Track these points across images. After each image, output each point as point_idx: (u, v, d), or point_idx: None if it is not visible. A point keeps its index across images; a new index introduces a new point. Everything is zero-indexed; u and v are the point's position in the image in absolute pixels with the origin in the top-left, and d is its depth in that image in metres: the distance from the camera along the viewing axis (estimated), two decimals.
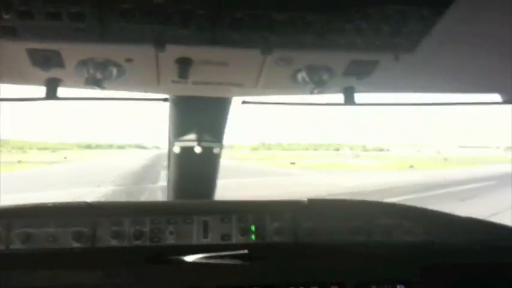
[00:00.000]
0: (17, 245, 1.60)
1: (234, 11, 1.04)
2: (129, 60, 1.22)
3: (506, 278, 1.81)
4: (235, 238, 1.75)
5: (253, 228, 1.77)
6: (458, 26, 1.16)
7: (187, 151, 1.92)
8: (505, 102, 1.74)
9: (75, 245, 1.63)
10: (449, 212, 1.94)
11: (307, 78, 1.34)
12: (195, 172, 2.08)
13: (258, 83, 1.42)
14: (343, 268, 1.80)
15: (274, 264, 1.77)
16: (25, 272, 1.63)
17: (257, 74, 1.35)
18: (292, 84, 1.42)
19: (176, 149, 1.92)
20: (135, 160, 38.74)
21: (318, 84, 1.33)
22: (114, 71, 1.26)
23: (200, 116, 1.89)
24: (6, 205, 1.70)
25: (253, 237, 1.76)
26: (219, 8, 1.03)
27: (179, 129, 1.94)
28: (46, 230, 1.63)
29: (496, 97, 1.75)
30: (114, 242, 1.67)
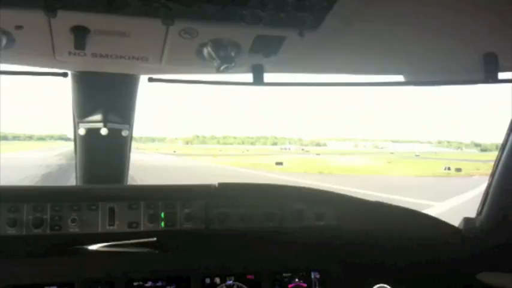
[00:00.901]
0: None
1: None
2: (19, 27, 1.15)
3: (413, 258, 1.89)
4: (144, 225, 1.69)
5: (162, 215, 1.72)
6: (362, 6, 1.19)
7: (93, 133, 1.83)
8: (407, 83, 1.82)
9: None
10: (358, 197, 2.00)
11: (213, 54, 1.32)
12: (103, 156, 1.99)
13: (162, 57, 1.39)
14: (256, 255, 1.81)
15: (185, 252, 1.75)
16: None
17: (161, 47, 1.32)
18: (198, 61, 1.40)
19: (81, 131, 1.83)
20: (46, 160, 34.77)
21: (225, 61, 1.32)
22: (3, 39, 1.19)
23: (106, 95, 1.81)
24: None
25: (162, 224, 1.71)
26: None
27: (83, 109, 1.84)
28: None
29: (399, 78, 1.81)
30: (11, 231, 1.56)
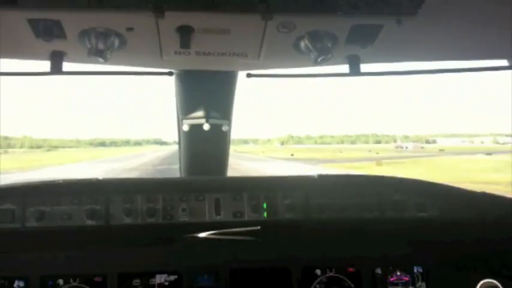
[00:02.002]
0: (32, 223, 1.68)
1: None
2: (129, 29, 1.28)
3: None
4: (248, 215, 1.81)
5: (265, 205, 1.83)
6: None
7: (196, 129, 1.98)
8: None
9: (89, 222, 1.72)
10: (461, 187, 1.94)
11: (310, 46, 1.37)
12: (205, 150, 2.15)
13: (260, 53, 1.46)
14: (356, 247, 1.85)
15: (286, 241, 1.85)
16: (40, 250, 1.73)
17: (259, 42, 1.40)
18: (295, 54, 1.46)
19: (185, 127, 1.98)
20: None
21: (321, 52, 1.36)
22: (116, 41, 1.32)
23: (207, 92, 1.95)
24: (20, 182, 1.80)
25: (265, 214, 1.82)
26: None
27: (186, 106, 2.00)
28: (60, 208, 1.71)
29: (503, 63, 1.75)
30: (127, 220, 1.74)
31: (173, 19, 1.23)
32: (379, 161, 34.70)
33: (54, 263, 1.73)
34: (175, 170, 21.60)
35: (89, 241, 1.76)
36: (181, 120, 2.00)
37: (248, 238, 1.75)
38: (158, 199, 1.79)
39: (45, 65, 1.52)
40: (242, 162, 32.53)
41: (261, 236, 1.76)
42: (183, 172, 2.26)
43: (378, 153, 60.81)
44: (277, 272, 1.84)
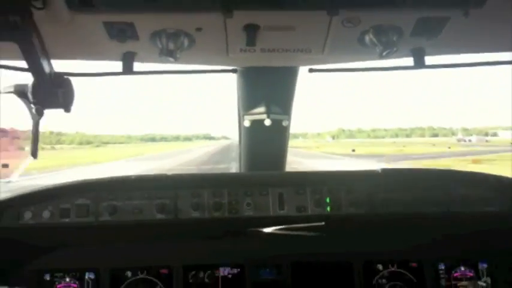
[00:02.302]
0: (105, 217, 1.79)
1: None
2: (198, 29, 1.34)
3: None
4: (311, 209, 1.85)
5: (328, 199, 1.86)
6: None
7: (257, 124, 2.02)
8: None
9: (159, 216, 1.81)
10: None
11: (374, 40, 1.37)
12: (265, 144, 2.20)
13: (324, 48, 1.47)
14: (419, 242, 1.88)
15: (348, 236, 1.90)
16: (112, 243, 1.88)
17: (324, 38, 1.41)
18: (359, 48, 1.46)
19: (246, 123, 2.03)
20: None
21: (386, 46, 1.36)
22: (185, 41, 1.38)
23: (268, 88, 1.99)
24: (94, 178, 1.90)
25: (328, 208, 1.85)
26: None
27: (248, 102, 2.05)
28: (131, 202, 1.82)
29: None
30: (195, 214, 1.83)
31: (240, 18, 1.27)
32: (476, 159, 27.86)
33: (124, 256, 1.88)
34: (223, 171, 19.68)
35: (158, 234, 1.88)
36: (243, 116, 2.06)
37: (312, 233, 1.80)
38: (224, 194, 1.87)
39: (115, 65, 1.59)
40: (301, 161, 28.12)
41: (324, 231, 1.80)
42: (243, 167, 2.32)
43: (449, 147, 52.54)
44: (339, 266, 1.91)
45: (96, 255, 1.85)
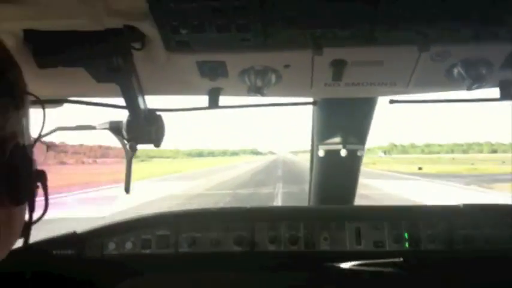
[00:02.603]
0: (184, 249, 1.86)
1: (392, 10, 1.10)
2: (286, 66, 1.37)
3: None
4: (389, 245, 1.83)
5: (406, 235, 1.84)
6: None
7: (330, 154, 2.02)
8: None
9: (236, 249, 1.86)
10: None
11: (463, 73, 1.36)
12: (338, 175, 2.19)
13: (410, 81, 1.47)
14: (503, 279, 1.79)
15: (430, 273, 1.84)
16: (192, 274, 1.90)
17: (410, 71, 1.41)
18: (445, 81, 1.45)
19: (320, 153, 2.03)
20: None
21: (475, 80, 1.35)
22: (273, 77, 1.41)
23: (345, 118, 1.99)
24: (175, 210, 2.01)
25: (406, 244, 1.83)
26: (376, 8, 1.09)
27: (324, 132, 2.05)
28: (210, 234, 1.88)
29: None
30: (271, 247, 1.86)
31: (329, 54, 1.29)
32: None
33: (200, 286, 1.91)
34: (264, 197, 17.62)
35: (234, 266, 1.91)
36: (317, 146, 2.07)
37: (389, 269, 1.78)
38: (300, 227, 1.88)
39: (201, 99, 1.64)
40: (368, 183, 23.37)
41: (402, 267, 1.78)
42: (313, 199, 2.31)
43: None
44: None
45: (174, 285, 1.90)
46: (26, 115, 0.71)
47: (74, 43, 1.13)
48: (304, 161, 63.45)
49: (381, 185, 23.62)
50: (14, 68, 0.68)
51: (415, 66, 1.37)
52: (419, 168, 43.18)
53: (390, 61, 1.35)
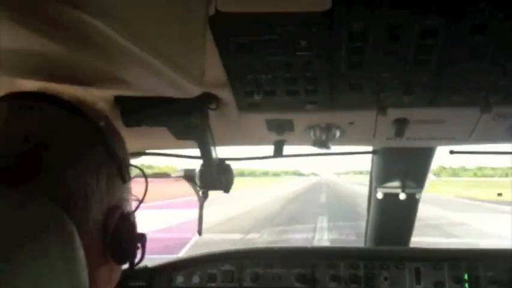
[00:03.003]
0: (248, 284, 2.02)
1: (456, 78, 1.18)
2: (351, 123, 1.49)
3: None
4: (449, 286, 1.90)
5: (466, 276, 1.90)
6: None
7: (388, 196, 2.13)
8: None
9: (297, 285, 2.00)
10: None
11: None
12: (395, 217, 2.27)
13: (470, 137, 1.55)
14: None
15: None
16: None
17: (471, 129, 1.49)
18: (507, 136, 1.52)
19: (379, 195, 2.15)
20: None
21: None
22: (337, 132, 1.53)
23: (405, 164, 2.07)
24: (239, 248, 2.16)
25: (467, 285, 1.89)
26: (440, 76, 1.17)
27: (382, 176, 2.15)
28: (272, 271, 2.03)
29: None
30: (332, 285, 1.98)
31: (392, 114, 1.38)
32: None
33: None
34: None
35: None
36: (375, 188, 2.18)
37: None
38: (360, 266, 1.99)
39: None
40: (443, 214, 19.17)
41: None
42: (369, 240, 2.38)
43: None
44: None
45: None
46: (129, 185, 0.80)
47: (157, 106, 1.29)
48: (347, 183, 61.09)
49: (466, 219, 17.35)
50: (118, 142, 0.76)
51: (476, 125, 1.44)
52: (499, 195, 34.73)
53: (451, 120, 1.42)
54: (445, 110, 1.35)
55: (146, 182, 0.88)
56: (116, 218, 0.70)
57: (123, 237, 0.72)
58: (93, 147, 0.69)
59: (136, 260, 0.80)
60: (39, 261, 0.49)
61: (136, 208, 0.85)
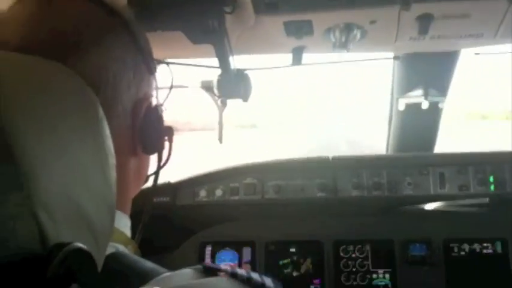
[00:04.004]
0: (270, 195, 2.14)
1: None
2: (372, 22, 1.47)
3: None
4: (474, 188, 1.99)
5: (491, 179, 1.99)
6: None
7: (411, 106, 2.18)
8: None
9: (320, 195, 2.11)
10: None
11: None
12: (418, 125, 2.34)
13: (497, 33, 1.53)
14: None
15: None
16: (276, 219, 2.18)
17: (498, 23, 1.47)
18: None
19: (401, 106, 2.19)
20: None
21: None
22: (358, 34, 1.53)
23: (427, 71, 2.10)
24: (261, 161, 2.26)
25: (492, 187, 1.98)
26: None
27: (405, 85, 2.18)
28: (294, 182, 2.14)
29: None
30: (354, 193, 2.08)
31: (416, 9, 1.36)
32: None
33: (281, 231, 2.16)
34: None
35: (316, 211, 2.15)
36: (397, 99, 2.21)
37: (473, 210, 1.89)
38: (383, 174, 2.07)
39: (284, 57, 1.80)
40: None
41: (487, 208, 1.88)
42: (391, 148, 2.47)
43: None
44: (494, 244, 2.00)
45: (256, 230, 2.17)
46: (155, 78, 0.84)
47: (172, 8, 1.31)
48: None
49: None
50: (142, 34, 0.81)
51: (503, 18, 1.44)
52: None
53: (477, 13, 1.42)
54: (471, 2, 1.34)
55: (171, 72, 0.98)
56: (144, 107, 0.74)
57: (151, 127, 0.75)
58: (120, 36, 0.72)
59: (164, 158, 0.84)
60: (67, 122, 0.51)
61: (164, 101, 0.91)
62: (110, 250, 0.64)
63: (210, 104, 1.86)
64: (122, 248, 0.69)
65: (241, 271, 0.66)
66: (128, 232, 0.77)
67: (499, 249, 2.01)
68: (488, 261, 2.02)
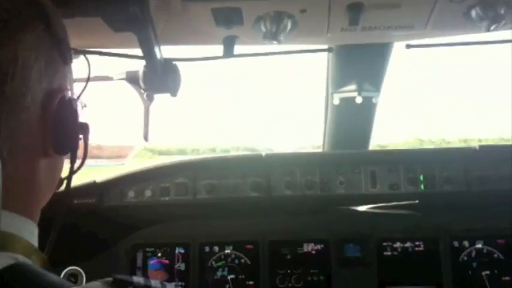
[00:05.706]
0: (202, 195, 2.23)
1: None
2: (303, 11, 1.55)
3: None
4: (404, 188, 2.16)
5: (422, 177, 2.15)
6: None
7: (345, 101, 2.33)
8: None
9: (253, 194, 2.22)
10: None
11: (481, 14, 1.52)
12: (352, 121, 2.50)
13: (427, 24, 1.65)
14: None
15: (445, 214, 2.18)
16: (210, 219, 2.29)
17: (428, 13, 1.59)
18: (464, 23, 1.63)
19: (335, 101, 2.33)
20: None
21: (494, 20, 1.51)
22: (289, 23, 1.61)
23: (361, 64, 2.25)
24: (193, 158, 2.38)
25: (422, 186, 2.15)
26: None
27: (339, 79, 2.33)
28: (228, 181, 2.24)
29: None
30: (287, 192, 2.21)
31: None
32: None
33: (215, 232, 2.26)
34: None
35: (250, 211, 2.26)
36: (332, 94, 2.35)
37: (404, 211, 2.08)
38: (316, 172, 2.20)
39: (215, 49, 1.83)
40: None
41: (417, 209, 2.09)
42: (328, 144, 2.61)
43: None
44: (426, 243, 2.17)
45: (188, 232, 2.23)
46: (71, 70, 0.82)
47: None
48: None
49: None
50: (59, 21, 0.79)
51: (433, 8, 1.54)
52: None
53: (408, 2, 1.51)
54: None
55: (88, 62, 1.03)
56: (57, 100, 0.73)
57: (63, 121, 0.74)
58: (32, 22, 0.71)
59: (79, 160, 0.84)
60: None
61: (80, 95, 0.91)
62: (7, 262, 0.61)
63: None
64: (22, 258, 0.65)
65: (155, 284, 0.67)
66: (34, 241, 0.73)
67: (430, 246, 2.18)
68: (420, 258, 2.18)
